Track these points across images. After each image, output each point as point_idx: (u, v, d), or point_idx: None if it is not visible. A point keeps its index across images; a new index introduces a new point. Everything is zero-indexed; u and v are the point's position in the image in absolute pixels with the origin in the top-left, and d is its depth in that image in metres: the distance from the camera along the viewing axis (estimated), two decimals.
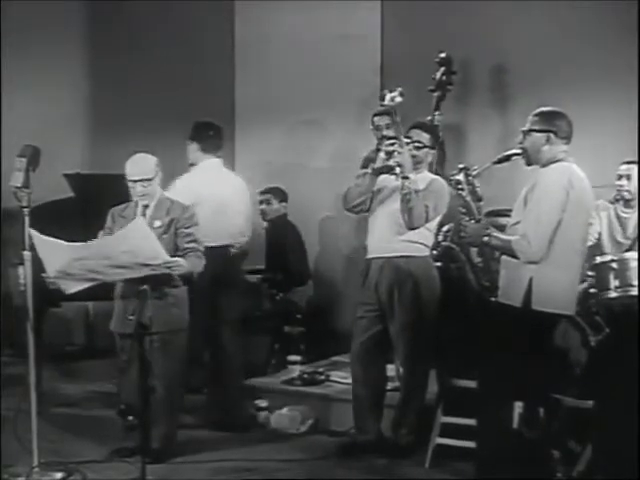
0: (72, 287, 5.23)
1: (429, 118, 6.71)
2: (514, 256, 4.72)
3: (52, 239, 5.08)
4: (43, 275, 5.14)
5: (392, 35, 7.90)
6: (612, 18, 6.85)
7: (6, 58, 8.59)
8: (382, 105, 6.39)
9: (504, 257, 4.87)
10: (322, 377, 6.68)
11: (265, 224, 7.90)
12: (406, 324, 5.64)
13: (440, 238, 5.73)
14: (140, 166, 5.43)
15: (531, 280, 4.67)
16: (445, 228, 5.74)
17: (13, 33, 8.63)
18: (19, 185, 5.11)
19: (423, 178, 5.66)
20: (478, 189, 4.96)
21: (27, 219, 5.14)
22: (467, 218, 4.89)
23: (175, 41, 8.76)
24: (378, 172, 5.61)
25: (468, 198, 4.92)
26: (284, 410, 6.39)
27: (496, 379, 4.74)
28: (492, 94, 7.44)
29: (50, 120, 8.74)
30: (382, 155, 5.54)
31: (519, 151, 4.91)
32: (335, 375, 6.73)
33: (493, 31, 7.33)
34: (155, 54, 8.81)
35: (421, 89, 6.94)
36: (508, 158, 4.99)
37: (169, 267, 5.14)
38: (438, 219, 5.68)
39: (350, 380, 6.04)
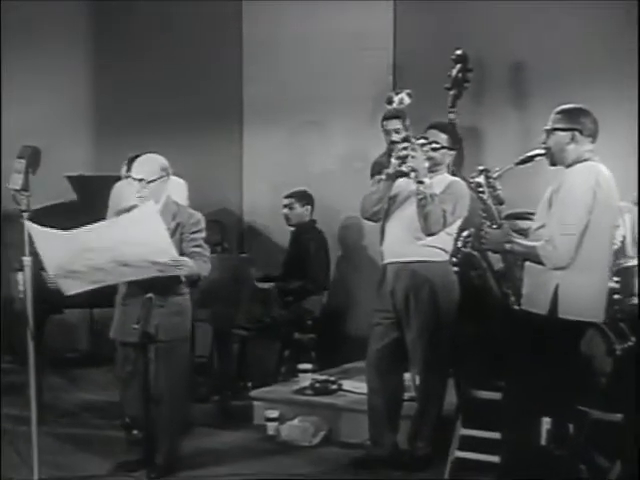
0: (72, 288, 5.06)
1: (450, 117, 6.59)
2: (539, 262, 4.51)
3: (50, 230, 4.91)
4: (43, 274, 4.99)
5: (405, 32, 7.75)
6: (633, 13, 6.66)
7: (8, 58, 8.51)
8: (389, 116, 6.30)
9: (528, 263, 4.67)
10: (334, 386, 6.49)
11: (291, 229, 7.76)
12: (423, 332, 5.45)
13: (460, 244, 5.50)
14: (144, 166, 5.27)
15: (557, 287, 4.47)
16: (465, 233, 5.54)
17: (15, 33, 8.55)
18: (18, 188, 4.97)
19: (441, 180, 5.48)
20: (499, 192, 4.74)
21: (27, 223, 4.96)
22: (488, 223, 4.69)
23: (181, 40, 8.65)
24: (393, 177, 5.43)
25: (489, 202, 4.71)
26: (295, 421, 6.21)
27: (521, 391, 4.53)
28: (509, 92, 7.30)
29: (52, 120, 8.65)
30: (394, 161, 5.37)
31: (542, 151, 4.70)
32: (348, 384, 6.54)
33: (509, 27, 7.17)
34: (161, 54, 8.70)
35: (435, 88, 6.81)
36: (531, 159, 4.76)
37: (177, 266, 4.96)
38: (459, 223, 5.49)
39: (364, 389, 5.87)
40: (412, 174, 5.29)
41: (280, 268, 7.65)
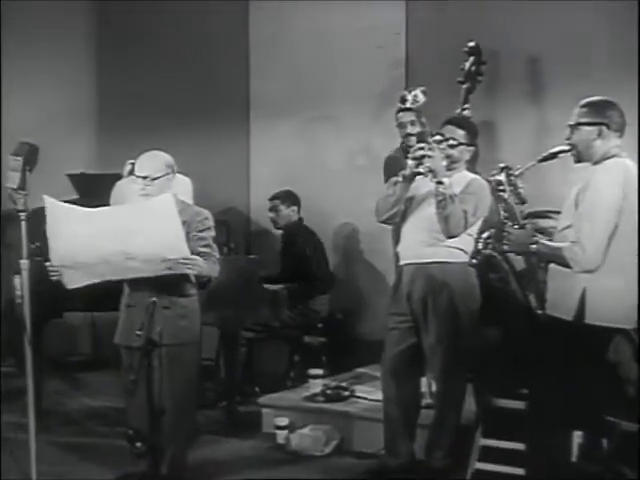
0: (76, 281, 4.84)
1: (457, 111, 6.35)
2: (565, 265, 4.30)
3: (67, 205, 4.76)
4: (47, 264, 4.75)
5: (416, 25, 7.59)
6: None
7: (8, 54, 8.32)
8: (403, 109, 6.09)
9: (552, 266, 4.46)
10: (347, 393, 6.31)
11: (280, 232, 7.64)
12: (441, 337, 5.23)
13: (480, 245, 5.27)
14: (148, 163, 5.06)
15: (584, 291, 4.27)
16: (485, 234, 5.30)
17: (16, 28, 8.39)
18: (14, 186, 4.73)
19: (461, 179, 5.26)
20: (521, 190, 4.56)
21: (24, 224, 4.75)
22: (510, 223, 4.51)
23: (185, 34, 8.53)
24: (409, 179, 5.21)
25: (510, 201, 4.54)
26: (306, 429, 6.03)
27: (546, 400, 4.34)
28: (524, 85, 7.12)
29: (53, 117, 8.48)
30: (410, 162, 5.14)
31: (567, 147, 4.49)
32: (360, 390, 6.36)
33: (523, 18, 6.99)
34: (166, 49, 8.59)
35: (447, 82, 6.63)
36: (555, 155, 4.56)
37: (188, 265, 4.74)
38: (479, 223, 5.26)
39: (377, 396, 5.72)
40: (430, 175, 5.08)
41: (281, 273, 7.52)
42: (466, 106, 6.44)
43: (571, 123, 4.45)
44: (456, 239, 5.16)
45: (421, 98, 5.02)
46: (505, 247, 4.57)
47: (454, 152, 5.24)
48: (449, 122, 5.35)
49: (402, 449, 5.39)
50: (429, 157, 5.04)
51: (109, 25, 8.97)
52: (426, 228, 5.21)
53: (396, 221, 5.37)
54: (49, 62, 8.65)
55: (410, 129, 6.18)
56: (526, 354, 4.63)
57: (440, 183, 5.03)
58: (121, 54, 8.82)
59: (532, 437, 4.48)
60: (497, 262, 5.16)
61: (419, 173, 5.11)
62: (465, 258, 5.25)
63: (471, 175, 5.36)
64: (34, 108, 8.32)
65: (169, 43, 8.54)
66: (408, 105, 5.09)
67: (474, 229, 5.23)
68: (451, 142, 5.24)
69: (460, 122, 5.44)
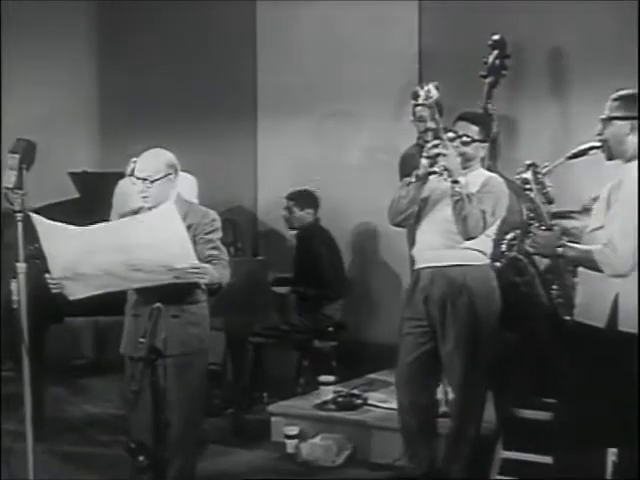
0: (78, 292, 4.61)
1: (487, 107, 6.26)
2: (596, 268, 4.06)
3: (59, 224, 4.49)
4: (47, 276, 4.53)
5: (432, 17, 7.43)
6: None
7: (9, 52, 8.19)
8: (416, 104, 5.90)
9: (582, 269, 4.22)
10: (359, 401, 6.14)
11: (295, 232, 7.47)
12: (460, 343, 5.01)
13: (504, 248, 5.05)
14: (147, 163, 4.81)
15: (617, 296, 4.02)
16: (509, 236, 5.10)
17: (16, 26, 8.23)
18: (11, 186, 4.52)
19: (477, 177, 5.05)
20: (549, 190, 4.32)
21: (21, 225, 4.55)
22: (536, 224, 4.27)
23: (188, 25, 8.41)
24: (423, 179, 5.00)
25: (537, 200, 4.29)
26: (317, 439, 5.86)
27: (577, 413, 4.07)
28: (548, 80, 6.94)
29: (54, 115, 8.34)
30: (424, 161, 4.93)
31: (598, 143, 4.23)
32: (373, 398, 6.20)
33: (548, 10, 6.78)
34: (170, 43, 8.45)
35: (465, 77, 6.56)
36: (585, 152, 4.31)
37: (196, 273, 4.50)
38: (498, 223, 5.06)
39: (391, 404, 5.62)
40: (445, 174, 4.87)
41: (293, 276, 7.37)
42: (489, 101, 6.28)
43: (603, 117, 4.20)
44: (475, 242, 4.97)
45: (434, 93, 4.79)
46: (531, 249, 4.34)
47: (468, 149, 5.05)
48: (462, 118, 5.16)
49: (422, 458, 5.20)
50: (443, 155, 4.84)
51: (111, 19, 8.86)
52: (442, 230, 5.01)
53: (410, 223, 5.18)
54: (50, 59, 8.53)
55: (430, 123, 5.97)
56: (553, 362, 4.46)
57: (456, 182, 4.84)
58: (124, 49, 8.71)
59: (560, 451, 4.23)
60: (522, 265, 4.99)
61: (433, 172, 4.92)
62: (485, 260, 5.07)
63: (487, 173, 5.17)
64: (35, 106, 8.21)
65: (173, 37, 8.43)
66: (421, 101, 4.87)
67: (492, 229, 5.04)
68: (465, 139, 5.04)
69: (473, 117, 5.22)
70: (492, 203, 4.91)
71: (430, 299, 5.07)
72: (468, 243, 4.95)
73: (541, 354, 4.70)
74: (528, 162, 4.37)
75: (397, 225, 5.21)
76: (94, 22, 8.94)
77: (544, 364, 4.60)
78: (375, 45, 7.63)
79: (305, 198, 7.33)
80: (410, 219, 5.12)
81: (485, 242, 5.02)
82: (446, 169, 4.84)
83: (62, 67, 8.62)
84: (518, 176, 4.35)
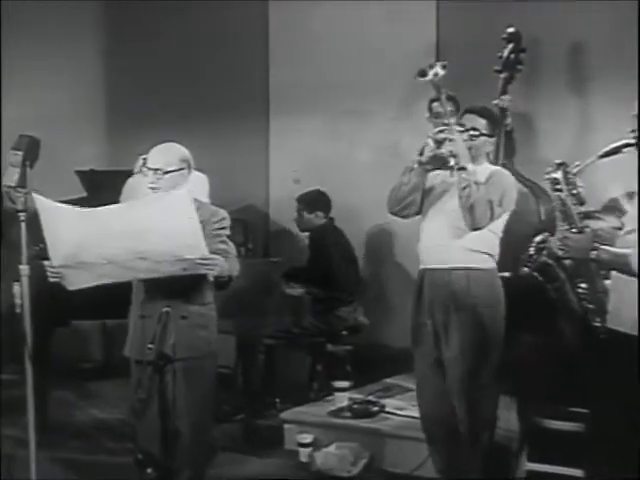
0: (78, 282, 4.42)
1: (495, 102, 6.09)
2: (630, 273, 3.88)
3: (64, 205, 4.36)
4: (46, 264, 4.34)
5: (448, 11, 7.29)
6: None
7: (16, 48, 8.13)
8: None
9: (615, 274, 4.07)
10: (376, 408, 5.97)
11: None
12: (463, 350, 4.82)
13: (532, 251, 4.86)
14: (161, 155, 4.68)
15: None
16: (538, 238, 4.91)
17: (21, 19, 8.16)
18: (13, 184, 4.36)
19: (482, 171, 4.88)
20: (580, 190, 4.15)
21: (23, 225, 4.38)
22: (567, 226, 4.12)
23: (198, 20, 8.29)
24: (427, 165, 4.85)
25: (568, 201, 4.13)
26: (332, 448, 5.68)
27: (611, 425, 3.93)
28: (566, 76, 6.79)
29: (61, 112, 8.26)
30: (431, 143, 4.76)
31: (632, 141, 4.05)
32: (390, 405, 6.04)
33: (564, 2, 6.64)
34: (177, 35, 8.36)
35: (482, 72, 6.36)
36: (618, 150, 4.11)
37: (206, 264, 4.34)
38: (505, 218, 4.87)
39: (409, 411, 5.63)
40: (452, 160, 4.71)
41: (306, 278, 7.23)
42: (505, 96, 6.14)
43: (635, 113, 4.04)
44: (483, 242, 4.82)
45: (441, 73, 4.65)
46: (561, 253, 4.16)
47: (475, 143, 4.89)
48: (470, 111, 5.02)
49: (449, 467, 5.04)
50: (450, 140, 4.70)
51: (119, 13, 8.73)
52: (449, 226, 4.85)
53: (410, 213, 5.00)
54: (56, 55, 8.46)
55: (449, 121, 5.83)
56: (583, 371, 4.30)
57: (463, 169, 4.68)
58: (132, 44, 8.58)
59: (593, 464, 4.07)
60: (553, 270, 4.79)
61: (440, 157, 4.75)
62: (491, 264, 4.89)
63: (493, 167, 5.04)
64: (42, 103, 8.13)
65: (184, 34, 8.33)
66: (428, 78, 4.71)
67: (499, 226, 4.87)
68: (472, 132, 4.89)
69: (481, 111, 5.07)
70: (499, 194, 4.75)
71: (434, 303, 4.91)
72: (475, 243, 4.80)
73: (571, 362, 4.54)
74: (558, 161, 4.20)
75: (395, 214, 5.05)
76: (102, 18, 8.86)
77: (572, 372, 4.45)
78: (389, 42, 7.50)
79: (315, 201, 7.21)
80: (410, 209, 4.96)
81: (492, 242, 4.87)
82: (453, 154, 4.70)
83: (69, 64, 8.53)
84: (548, 176, 4.18)
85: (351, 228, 7.38)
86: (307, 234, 7.28)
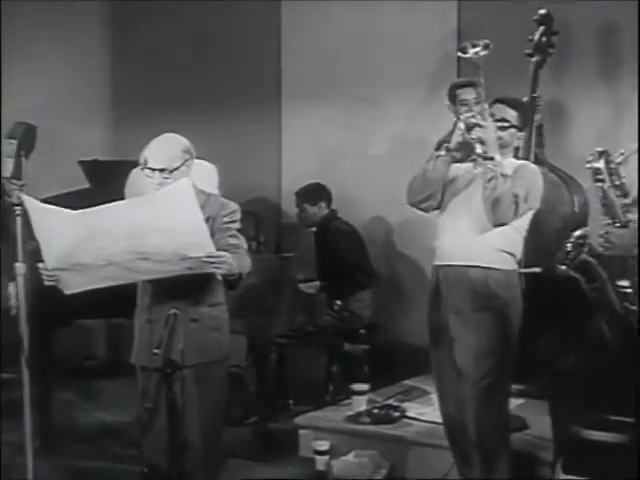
0: (75, 286, 4.18)
1: (533, 89, 6.01)
2: None
3: (54, 207, 4.10)
4: (39, 266, 4.12)
5: None
6: None
7: (16, 35, 7.94)
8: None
9: None
10: (397, 414, 5.71)
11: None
12: (477, 352, 4.60)
13: (569, 248, 4.58)
14: (163, 151, 4.39)
15: None
16: (577, 233, 4.63)
17: (25, 8, 7.97)
18: (8, 175, 4.18)
19: (509, 165, 4.63)
20: (624, 181, 3.94)
21: (19, 220, 4.22)
22: (609, 221, 3.93)
23: (209, 6, 8.12)
24: (454, 153, 4.61)
25: (610, 193, 3.93)
26: (350, 456, 5.45)
27: None
28: (597, 60, 6.59)
29: (64, 101, 8.12)
30: (460, 127, 4.52)
31: None
32: (412, 409, 5.78)
33: None
34: (186, 22, 8.24)
35: (505, 58, 5.98)
36: None
37: (214, 262, 4.08)
38: (530, 215, 4.61)
39: (431, 416, 5.44)
40: (479, 148, 4.45)
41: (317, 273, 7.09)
42: (536, 82, 6.01)
43: None
44: (505, 240, 4.58)
45: (483, 52, 4.40)
46: (603, 250, 3.90)
47: (504, 135, 4.65)
48: (500, 101, 4.75)
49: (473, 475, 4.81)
50: (481, 127, 4.44)
51: (129, 3, 8.61)
52: (471, 221, 4.61)
53: (431, 206, 4.75)
54: (62, 43, 8.36)
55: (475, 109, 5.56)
56: (626, 377, 4.06)
57: (490, 159, 4.43)
58: (140, 30, 8.46)
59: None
60: (593, 268, 4.54)
61: (467, 144, 4.50)
62: (512, 265, 4.65)
63: (519, 161, 4.79)
64: (45, 92, 7.94)
65: (195, 22, 8.22)
66: (468, 55, 4.45)
67: (524, 224, 4.63)
68: (501, 124, 4.65)
69: (512, 102, 4.84)
70: (525, 189, 4.49)
71: (448, 301, 4.69)
72: (497, 242, 4.56)
73: (611, 366, 4.30)
74: (599, 149, 4.00)
75: (415, 205, 4.79)
76: (110, 5, 8.76)
77: (614, 378, 4.20)
78: (408, 24, 7.32)
79: (316, 191, 7.08)
80: (432, 200, 4.71)
81: (516, 241, 4.63)
82: (482, 141, 4.45)
83: (74, 51, 8.43)
84: (589, 165, 3.99)
85: (363, 218, 7.33)
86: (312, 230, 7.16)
